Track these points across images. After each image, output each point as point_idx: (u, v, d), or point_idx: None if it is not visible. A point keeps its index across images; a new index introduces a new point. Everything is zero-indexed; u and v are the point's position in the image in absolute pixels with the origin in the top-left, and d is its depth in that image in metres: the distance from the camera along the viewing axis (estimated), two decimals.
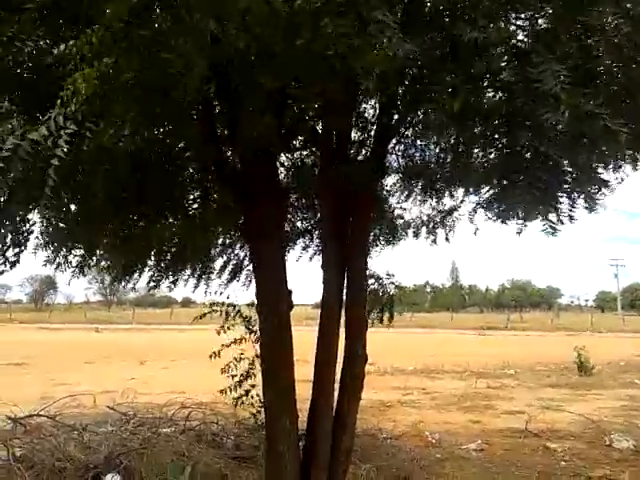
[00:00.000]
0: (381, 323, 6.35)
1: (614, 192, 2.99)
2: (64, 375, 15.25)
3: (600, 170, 3.02)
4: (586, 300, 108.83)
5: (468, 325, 46.36)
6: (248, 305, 6.34)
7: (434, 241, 6.34)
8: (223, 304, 6.59)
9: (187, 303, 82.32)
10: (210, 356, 6.59)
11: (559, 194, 3.12)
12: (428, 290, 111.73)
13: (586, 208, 2.92)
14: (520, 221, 3.60)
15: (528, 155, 2.96)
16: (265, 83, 2.80)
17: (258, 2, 2.29)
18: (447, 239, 6.24)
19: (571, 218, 3.28)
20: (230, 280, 6.94)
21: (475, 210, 4.66)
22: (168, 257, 6.05)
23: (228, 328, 6.51)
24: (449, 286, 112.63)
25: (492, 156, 3.47)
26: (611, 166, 3.40)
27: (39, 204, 2.76)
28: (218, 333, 6.47)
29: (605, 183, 3.01)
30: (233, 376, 6.64)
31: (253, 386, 6.42)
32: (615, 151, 2.72)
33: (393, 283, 6.28)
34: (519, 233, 3.64)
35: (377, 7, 2.17)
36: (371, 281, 6.00)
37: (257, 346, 5.84)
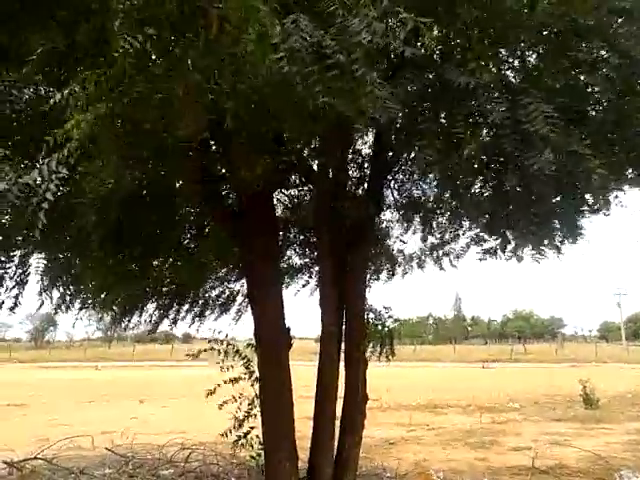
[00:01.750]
0: (380, 360, 6.28)
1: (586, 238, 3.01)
2: (63, 416, 15.00)
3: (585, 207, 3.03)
4: (590, 330, 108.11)
5: (472, 357, 45.84)
6: (248, 345, 6.26)
7: (441, 267, 6.35)
8: (222, 342, 6.50)
9: (187, 339, 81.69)
10: (207, 395, 6.47)
11: (547, 228, 3.13)
12: (431, 322, 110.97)
13: (570, 241, 2.93)
14: (510, 251, 3.61)
15: (517, 192, 2.96)
16: (259, 128, 2.83)
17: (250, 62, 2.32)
18: (452, 264, 6.24)
19: (558, 249, 3.28)
20: (221, 313, 6.93)
21: (468, 246, 4.70)
22: (167, 296, 6.04)
23: (227, 369, 6.40)
24: (452, 318, 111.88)
25: (482, 192, 3.48)
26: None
27: (30, 246, 2.75)
28: (221, 369, 6.37)
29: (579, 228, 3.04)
30: (235, 417, 6.50)
31: (252, 428, 6.29)
32: (598, 190, 2.73)
33: (391, 317, 6.23)
34: (509, 259, 3.63)
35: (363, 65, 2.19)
36: (370, 315, 5.96)
37: (256, 386, 5.75)
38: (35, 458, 8.33)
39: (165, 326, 6.96)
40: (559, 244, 3.43)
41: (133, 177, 3.51)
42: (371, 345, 6.12)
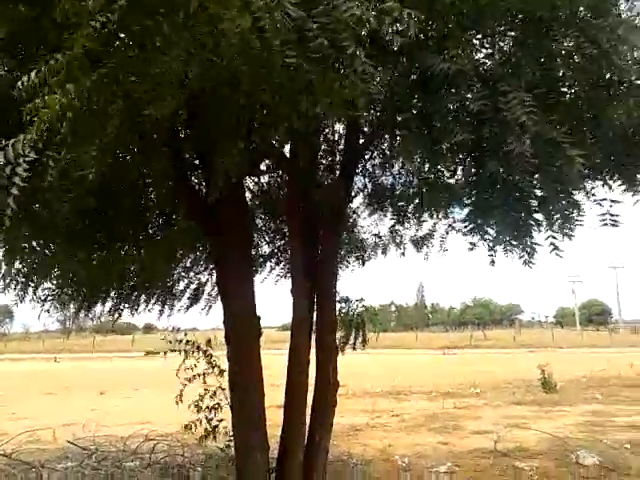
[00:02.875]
0: (354, 349, 6.29)
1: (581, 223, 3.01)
2: (22, 408, 14.62)
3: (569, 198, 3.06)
4: (546, 316, 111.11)
5: (433, 344, 46.63)
6: (208, 341, 6.16)
7: (403, 254, 6.39)
8: (180, 342, 6.34)
9: (149, 329, 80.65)
10: (176, 399, 6.33)
11: (528, 221, 3.14)
12: (393, 309, 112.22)
13: (552, 238, 2.95)
14: (490, 247, 3.60)
15: (496, 182, 2.99)
16: (233, 111, 2.77)
17: (231, 38, 2.26)
18: (421, 253, 6.28)
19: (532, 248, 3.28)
20: (191, 305, 6.83)
21: (447, 232, 4.72)
22: (130, 284, 5.91)
23: (191, 368, 6.27)
24: (413, 305, 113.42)
25: (460, 180, 3.49)
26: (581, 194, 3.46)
27: None
28: (177, 371, 6.24)
29: (573, 214, 3.04)
30: (198, 408, 6.38)
31: (220, 420, 6.20)
32: (576, 179, 2.77)
33: (364, 306, 6.25)
34: (492, 263, 3.60)
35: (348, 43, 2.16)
36: (340, 305, 5.96)
37: (220, 379, 5.68)
38: None
39: (126, 316, 6.83)
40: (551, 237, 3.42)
41: (104, 163, 3.40)
42: (340, 335, 6.15)
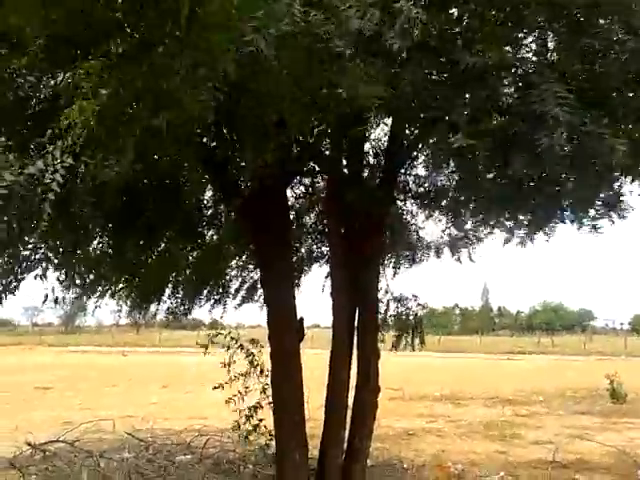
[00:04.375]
0: (412, 350, 6.15)
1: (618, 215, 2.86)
2: (88, 399, 15.30)
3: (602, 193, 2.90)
4: (621, 323, 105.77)
5: (497, 349, 45.30)
6: (252, 340, 6.19)
7: (458, 259, 6.23)
8: (225, 336, 6.40)
9: (215, 325, 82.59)
10: (214, 388, 6.40)
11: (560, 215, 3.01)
12: (457, 312, 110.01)
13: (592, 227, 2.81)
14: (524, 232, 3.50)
15: (529, 181, 2.86)
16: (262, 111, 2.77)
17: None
18: (470, 259, 6.11)
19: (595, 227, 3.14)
20: (244, 302, 6.91)
21: (490, 233, 4.56)
22: (183, 285, 6.05)
23: (229, 364, 6.32)
24: (479, 308, 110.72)
25: (495, 181, 3.36)
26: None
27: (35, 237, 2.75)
28: (223, 365, 6.31)
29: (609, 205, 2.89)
30: (241, 410, 6.43)
31: (261, 420, 6.23)
32: (616, 169, 2.61)
33: (420, 304, 6.10)
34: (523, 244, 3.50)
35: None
36: (395, 305, 5.86)
37: (262, 379, 5.71)
38: (57, 441, 8.49)
39: (194, 313, 7.01)
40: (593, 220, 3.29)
41: (142, 165, 3.48)
42: (394, 334, 6.03)
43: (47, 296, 3.44)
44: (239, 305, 7.19)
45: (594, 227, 2.86)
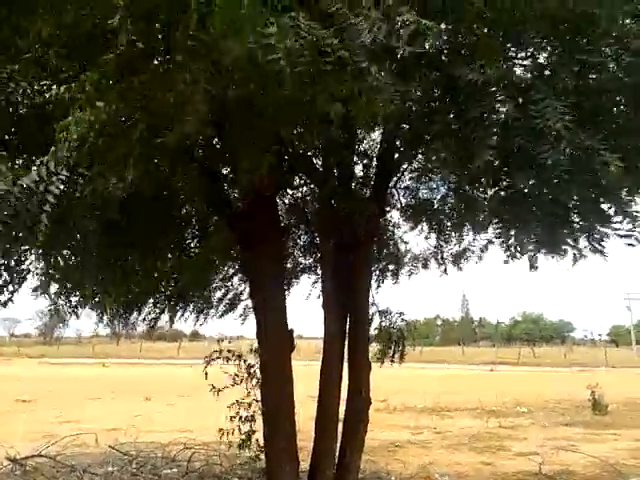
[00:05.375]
0: (392, 363, 6.14)
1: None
2: (70, 412, 15.05)
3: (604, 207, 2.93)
4: (600, 334, 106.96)
5: (479, 360, 45.58)
6: (251, 350, 6.13)
7: (445, 271, 6.24)
8: (221, 351, 6.34)
9: (195, 336, 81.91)
10: (212, 392, 6.34)
11: (564, 231, 3.02)
12: (439, 324, 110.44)
13: (592, 249, 2.83)
14: (531, 254, 3.50)
15: (529, 194, 2.88)
16: (264, 127, 2.77)
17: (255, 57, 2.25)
18: (459, 268, 6.13)
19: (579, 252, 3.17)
20: (226, 312, 6.87)
21: (486, 247, 4.58)
22: (167, 294, 6.00)
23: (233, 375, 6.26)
24: (460, 319, 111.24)
25: (494, 195, 3.38)
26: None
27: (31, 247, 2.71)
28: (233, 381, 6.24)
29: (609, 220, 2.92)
30: (232, 417, 6.37)
31: (254, 432, 6.16)
32: (614, 186, 2.64)
33: (404, 319, 6.10)
34: (534, 268, 3.51)
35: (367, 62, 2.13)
36: (379, 319, 5.85)
37: (257, 390, 5.68)
38: (39, 455, 8.32)
39: (174, 324, 6.96)
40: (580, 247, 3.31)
41: (137, 179, 3.46)
42: (378, 347, 6.03)
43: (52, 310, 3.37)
44: (221, 316, 7.17)
45: (599, 251, 2.87)
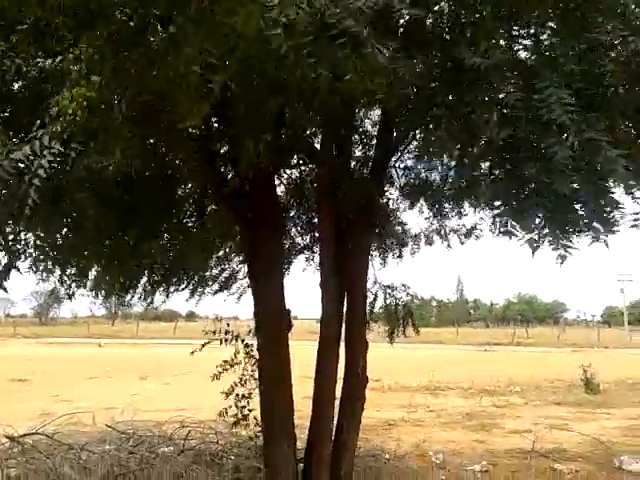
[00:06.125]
0: (405, 336, 6.17)
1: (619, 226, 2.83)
2: (66, 391, 15.11)
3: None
4: (593, 315, 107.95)
5: (474, 340, 45.94)
6: (249, 331, 6.09)
7: (449, 246, 6.25)
8: (218, 332, 6.27)
9: (191, 317, 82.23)
10: (212, 378, 6.31)
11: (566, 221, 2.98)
12: (434, 305, 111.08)
13: (592, 237, 2.79)
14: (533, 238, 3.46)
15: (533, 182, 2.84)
16: (263, 103, 2.73)
17: (252, 29, 2.20)
18: (461, 242, 6.12)
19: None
20: (220, 290, 6.87)
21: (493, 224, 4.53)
22: (161, 272, 5.97)
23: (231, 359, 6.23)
24: (454, 301, 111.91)
25: (497, 174, 3.33)
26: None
27: (22, 223, 2.68)
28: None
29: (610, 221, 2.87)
30: (227, 394, 6.35)
31: (250, 410, 6.15)
32: (617, 179, 2.60)
33: (410, 294, 6.11)
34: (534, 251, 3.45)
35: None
36: (383, 295, 5.87)
37: (254, 369, 5.67)
38: (36, 433, 8.35)
39: (169, 304, 6.98)
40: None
41: (132, 155, 3.41)
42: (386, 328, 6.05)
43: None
44: (214, 293, 7.17)
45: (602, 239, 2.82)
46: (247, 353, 6.06)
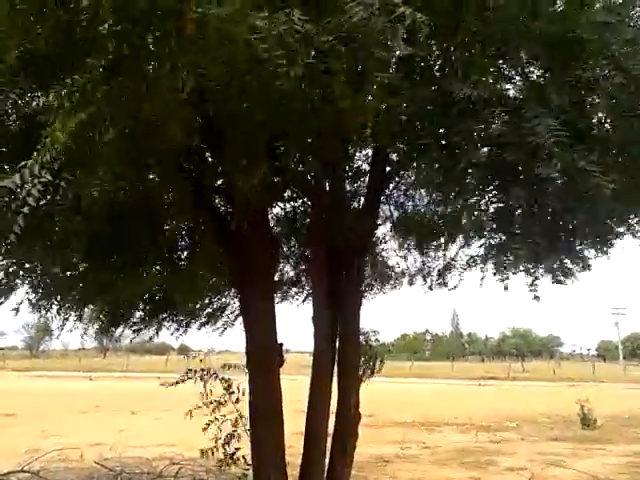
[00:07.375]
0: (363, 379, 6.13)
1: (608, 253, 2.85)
2: (54, 426, 14.81)
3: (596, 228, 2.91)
4: (588, 349, 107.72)
5: (469, 375, 45.57)
6: (223, 365, 5.92)
7: (430, 288, 6.20)
8: (195, 371, 6.09)
9: (184, 350, 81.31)
10: (185, 414, 6.11)
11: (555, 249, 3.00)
12: (428, 338, 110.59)
13: (582, 266, 2.81)
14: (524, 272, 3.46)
15: (520, 210, 2.87)
16: (255, 135, 2.75)
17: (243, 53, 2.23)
18: (445, 285, 6.08)
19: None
20: (205, 323, 6.82)
21: (473, 262, 4.51)
22: (152, 306, 5.92)
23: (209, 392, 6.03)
24: (449, 334, 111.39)
25: (485, 209, 3.36)
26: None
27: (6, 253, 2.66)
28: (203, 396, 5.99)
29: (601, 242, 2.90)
30: (216, 438, 6.14)
31: (238, 449, 5.93)
32: (606, 208, 2.63)
33: (378, 339, 6.17)
34: (533, 287, 3.43)
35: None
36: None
37: (238, 407, 5.48)
38: (22, 471, 8.17)
39: (161, 337, 6.88)
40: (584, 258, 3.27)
41: (121, 185, 3.42)
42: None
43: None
44: (199, 327, 7.09)
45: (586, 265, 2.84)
46: (226, 389, 5.84)
